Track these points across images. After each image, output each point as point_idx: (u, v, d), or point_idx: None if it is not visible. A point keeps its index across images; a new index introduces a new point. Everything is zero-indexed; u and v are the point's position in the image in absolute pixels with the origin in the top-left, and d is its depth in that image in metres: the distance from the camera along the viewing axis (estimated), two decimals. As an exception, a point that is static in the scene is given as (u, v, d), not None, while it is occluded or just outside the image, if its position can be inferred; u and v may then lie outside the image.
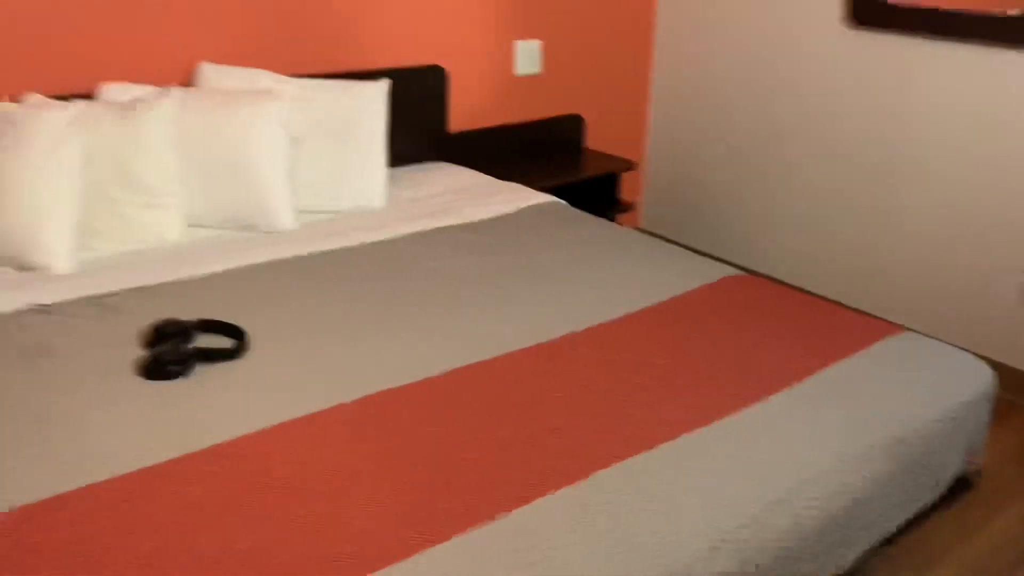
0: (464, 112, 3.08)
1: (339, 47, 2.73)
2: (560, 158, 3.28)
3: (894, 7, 2.72)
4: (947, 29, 2.60)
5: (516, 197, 2.58)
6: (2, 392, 1.48)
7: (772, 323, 1.84)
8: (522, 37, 3.13)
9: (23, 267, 1.93)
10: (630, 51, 3.47)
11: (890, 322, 2.11)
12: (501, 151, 3.20)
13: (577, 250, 2.21)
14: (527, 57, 3.16)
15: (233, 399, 1.50)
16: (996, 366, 2.74)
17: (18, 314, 1.73)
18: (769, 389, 1.57)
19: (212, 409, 1.47)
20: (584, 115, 3.42)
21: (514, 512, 1.24)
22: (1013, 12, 2.45)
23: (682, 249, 2.26)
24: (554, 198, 2.61)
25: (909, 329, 1.87)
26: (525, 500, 1.26)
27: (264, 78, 2.43)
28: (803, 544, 1.33)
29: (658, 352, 1.71)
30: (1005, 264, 2.66)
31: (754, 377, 1.61)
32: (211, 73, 2.42)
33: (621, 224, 3.38)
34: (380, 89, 2.53)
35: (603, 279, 2.04)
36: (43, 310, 1.76)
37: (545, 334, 1.77)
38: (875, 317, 2.98)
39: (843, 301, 3.13)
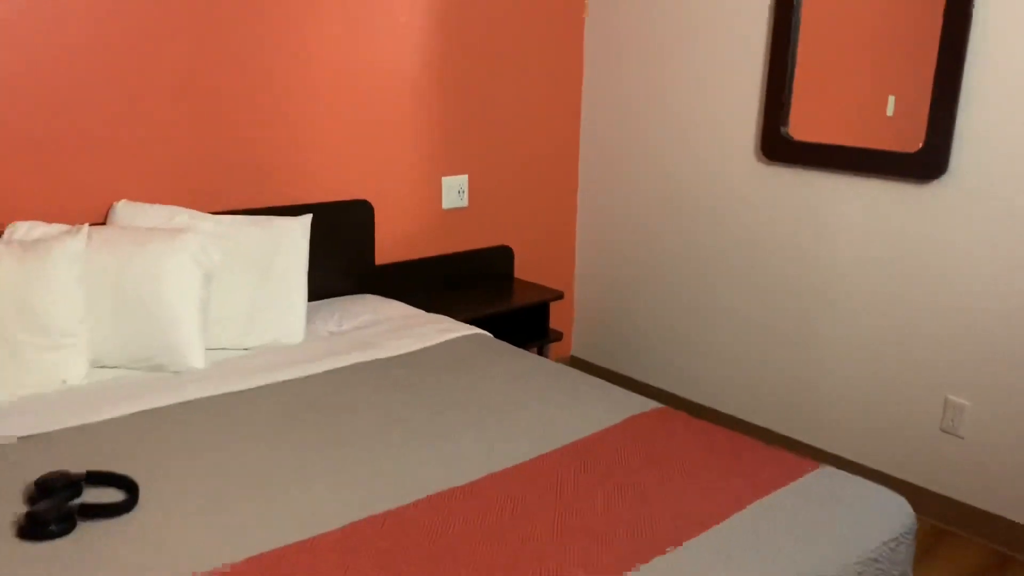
0: (391, 245, 3.09)
1: (264, 183, 2.74)
2: (489, 288, 3.29)
3: (800, 144, 2.85)
4: (850, 164, 2.73)
5: (440, 329, 2.55)
6: None
7: (691, 461, 1.80)
8: (449, 172, 3.19)
9: (-95, 416, 1.82)
10: (556, 182, 3.56)
11: (809, 458, 2.11)
12: (429, 282, 3.20)
13: (500, 385, 2.17)
14: (454, 191, 3.21)
15: (119, 559, 1.40)
16: (920, 492, 2.75)
17: None
18: (684, 534, 1.52)
19: (95, 572, 1.36)
20: (513, 246, 3.46)
21: None
22: (913, 150, 2.58)
23: (605, 382, 2.24)
24: (479, 330, 2.59)
25: (829, 463, 1.86)
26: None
27: (181, 215, 2.41)
28: None
29: (572, 493, 1.65)
30: (926, 385, 2.70)
31: (669, 520, 1.56)
32: (126, 211, 2.39)
33: (550, 354, 3.39)
34: (302, 224, 2.52)
35: (526, 415, 2.00)
36: (-80, 464, 1.64)
37: (464, 475, 1.71)
38: (800, 445, 3.00)
39: (771, 427, 3.13)
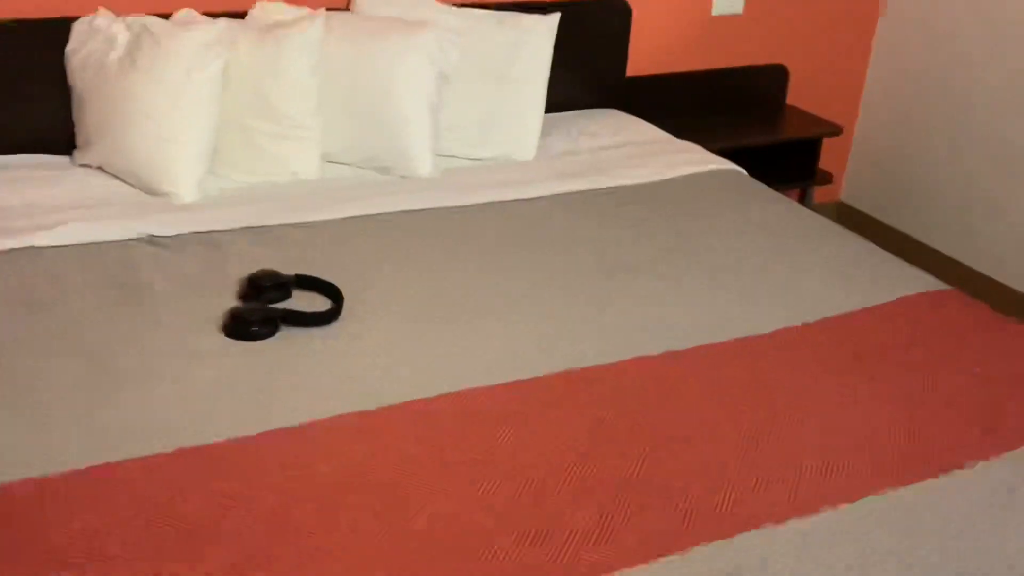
0: (649, 55, 2.74)
1: (513, -26, 2.47)
2: (756, 114, 2.88)
3: None
4: None
5: (687, 160, 2.25)
6: (84, 331, 1.42)
7: (963, 371, 1.45)
8: (725, -29, 2.72)
9: (148, 192, 1.88)
10: (857, -7, 2.95)
11: None
12: (686, 102, 2.84)
13: (744, 237, 1.87)
14: (728, -6, 2.75)
15: (312, 375, 1.36)
16: None
17: (125, 245, 1.68)
18: (941, 466, 1.22)
19: (284, 385, 1.34)
20: (789, 65, 2.97)
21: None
22: None
23: (874, 247, 1.86)
24: (732, 165, 2.26)
25: None
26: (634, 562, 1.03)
27: (425, 6, 2.23)
28: None
29: (799, 386, 1.39)
30: None
31: (919, 447, 1.26)
32: (370, -3, 2.25)
33: (813, 198, 2.95)
34: (548, 24, 2.26)
35: (768, 278, 1.71)
36: (152, 242, 1.70)
37: (679, 340, 1.50)
38: None
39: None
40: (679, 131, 2.66)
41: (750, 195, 2.09)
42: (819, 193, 3.26)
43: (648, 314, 1.57)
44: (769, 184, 2.73)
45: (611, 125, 2.49)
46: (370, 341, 1.46)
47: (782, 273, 1.73)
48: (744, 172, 2.24)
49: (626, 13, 2.59)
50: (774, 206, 2.03)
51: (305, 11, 2.11)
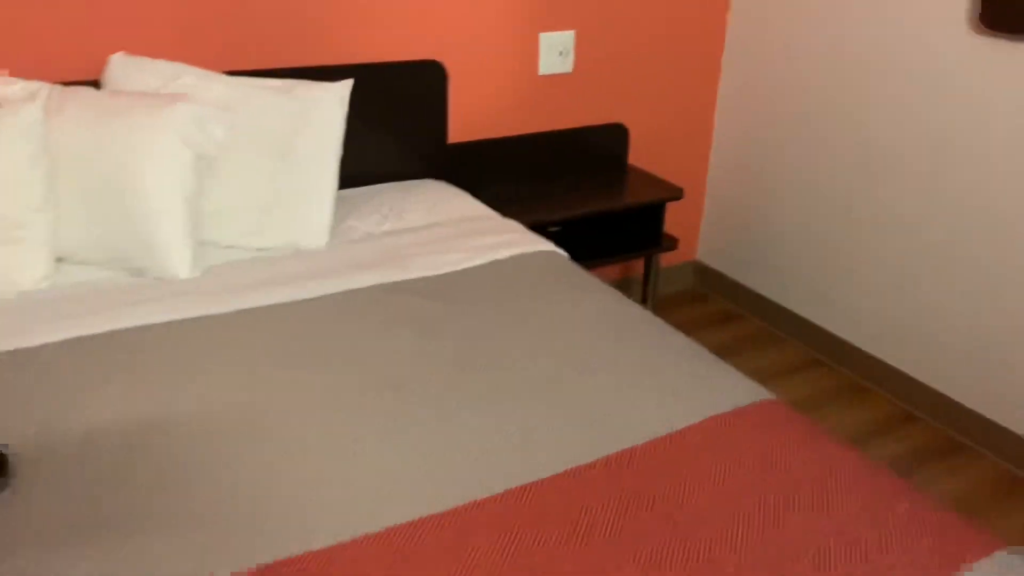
0: (474, 119, 2.50)
1: (306, 34, 2.19)
2: (597, 176, 2.66)
3: (1045, 8, 1.96)
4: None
5: (500, 242, 1.98)
6: None
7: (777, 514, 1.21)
8: (550, 26, 2.51)
9: None
10: (693, 40, 2.80)
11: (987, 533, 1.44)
12: (521, 166, 2.61)
13: (548, 338, 1.60)
14: (555, 52, 2.54)
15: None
16: None
17: None
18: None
19: None
20: (629, 124, 2.78)
21: None
22: None
23: (700, 347, 1.62)
24: (552, 247, 2.00)
25: None
26: None
27: (187, 75, 1.92)
28: None
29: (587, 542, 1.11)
30: None
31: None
32: (123, 67, 1.92)
33: (661, 262, 2.71)
34: (338, 93, 1.98)
35: (567, 397, 1.44)
36: None
37: (442, 497, 1.20)
38: (995, 427, 2.24)
39: (951, 394, 2.40)
40: (512, 200, 2.43)
41: (566, 285, 1.83)
42: (676, 252, 3.08)
43: (427, 448, 1.28)
44: (614, 252, 2.53)
45: (427, 200, 2.21)
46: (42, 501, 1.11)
47: (584, 388, 1.46)
48: (563, 255, 1.99)
49: (440, 74, 2.34)
50: (590, 299, 1.77)
51: (34, 85, 1.77)
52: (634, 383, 1.48)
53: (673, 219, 3.02)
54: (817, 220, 2.67)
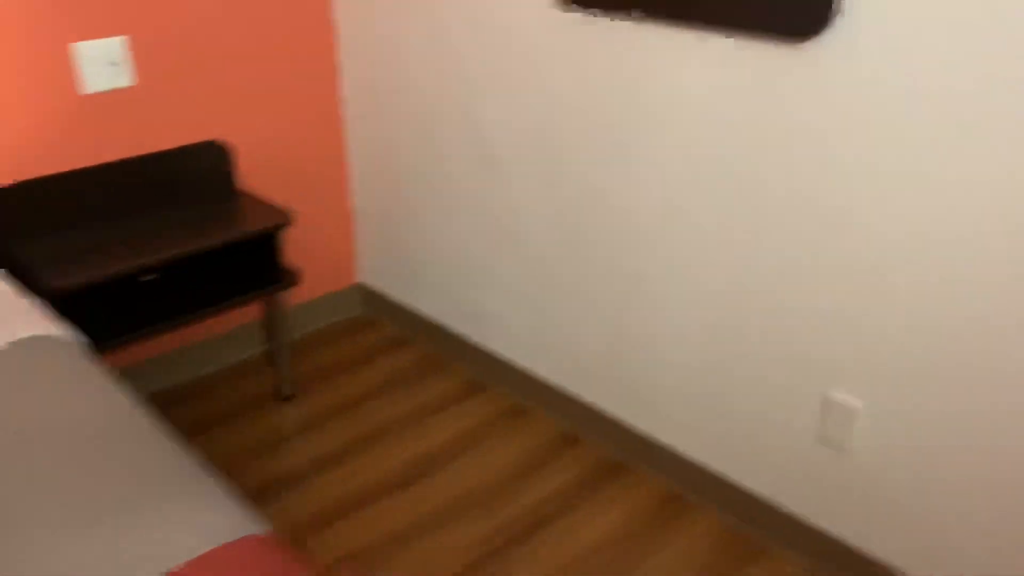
0: (3, 159, 1.97)
1: None
2: (192, 210, 2.21)
3: (621, -22, 1.72)
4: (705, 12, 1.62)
5: (-14, 329, 1.49)
6: None
7: None
8: (87, 33, 2.01)
9: None
10: (298, 41, 2.39)
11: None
12: (88, 207, 2.10)
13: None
14: (101, 64, 2.05)
15: None
16: (796, 525, 1.86)
17: None
18: None
19: None
20: (233, 140, 2.34)
21: None
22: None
23: (189, 466, 1.22)
24: (54, 330, 1.53)
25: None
26: None
27: None
28: None
29: None
30: (799, 375, 1.74)
31: None
32: None
33: (289, 299, 2.30)
34: None
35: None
36: None
37: None
38: (631, 436, 1.89)
39: (596, 402, 2.17)
40: (86, 250, 1.95)
41: (48, 385, 1.37)
42: (338, 275, 2.69)
43: None
44: (226, 294, 2.12)
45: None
46: None
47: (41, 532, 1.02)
48: (70, 339, 1.53)
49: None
50: (51, 410, 1.32)
51: None
52: (74, 536, 1.05)
53: (324, 240, 2.63)
54: (457, 229, 2.37)
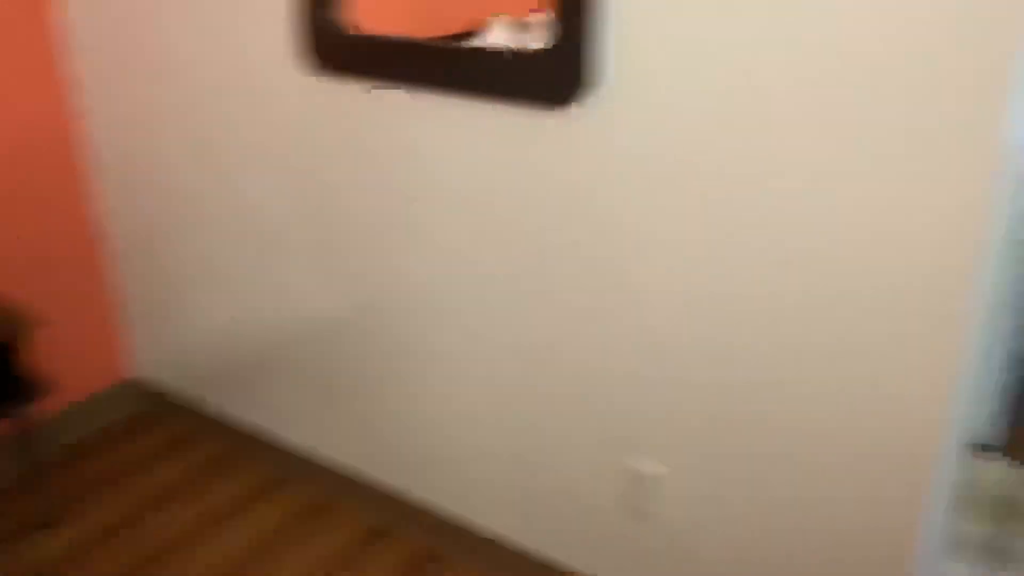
0: None
1: None
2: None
3: (366, 40, 1.60)
4: (452, 78, 1.52)
5: None
6: None
7: None
8: None
9: None
10: (33, 103, 2.11)
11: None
12: None
13: None
14: None
15: None
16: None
17: None
18: None
19: None
20: (-45, 236, 2.02)
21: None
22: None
23: None
24: None
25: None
26: None
27: None
28: None
29: None
30: (596, 443, 1.67)
31: None
32: None
33: (37, 411, 1.96)
34: None
35: None
36: None
37: None
38: (416, 511, 1.80)
39: (375, 475, 2.02)
40: None
41: None
42: (105, 371, 2.38)
43: None
44: None
45: None
46: None
47: None
48: None
49: None
50: None
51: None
52: None
53: (84, 333, 2.32)
54: (233, 314, 2.15)
